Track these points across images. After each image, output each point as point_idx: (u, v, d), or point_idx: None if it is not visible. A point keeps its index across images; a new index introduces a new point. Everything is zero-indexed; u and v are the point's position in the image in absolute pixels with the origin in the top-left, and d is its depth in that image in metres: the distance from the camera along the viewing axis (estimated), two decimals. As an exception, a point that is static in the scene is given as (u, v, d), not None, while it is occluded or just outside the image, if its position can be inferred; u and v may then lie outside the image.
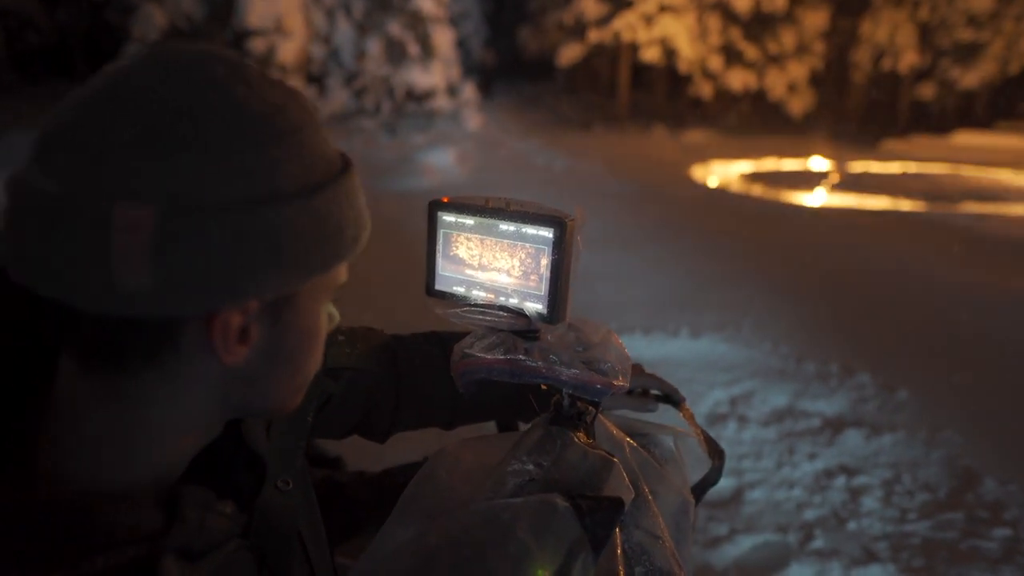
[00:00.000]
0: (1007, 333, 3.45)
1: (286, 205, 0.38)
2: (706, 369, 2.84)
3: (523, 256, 0.66)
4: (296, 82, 10.65)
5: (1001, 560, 1.75)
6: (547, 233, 0.64)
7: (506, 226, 0.66)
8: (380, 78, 11.49)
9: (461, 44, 15.61)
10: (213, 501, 0.46)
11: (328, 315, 0.49)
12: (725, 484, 2.07)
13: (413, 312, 1.01)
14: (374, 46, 11.34)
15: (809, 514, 1.95)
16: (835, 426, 2.42)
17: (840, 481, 2.10)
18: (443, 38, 12.09)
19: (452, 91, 12.45)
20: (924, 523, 1.91)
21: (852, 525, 1.90)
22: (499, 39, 21.26)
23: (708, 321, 3.38)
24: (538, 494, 0.56)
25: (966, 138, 14.38)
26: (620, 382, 0.69)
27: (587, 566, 0.54)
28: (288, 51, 10.50)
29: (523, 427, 0.80)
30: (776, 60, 16.81)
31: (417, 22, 11.64)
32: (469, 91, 12.74)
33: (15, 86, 12.65)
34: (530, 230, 0.65)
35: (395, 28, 11.46)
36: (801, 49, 16.88)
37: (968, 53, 16.26)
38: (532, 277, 0.66)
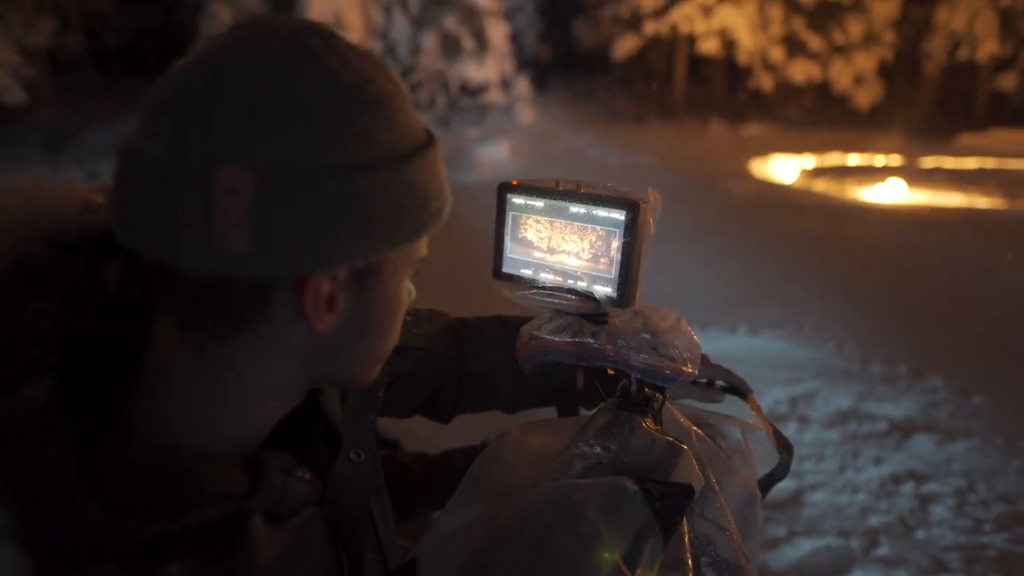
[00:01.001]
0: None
1: (377, 173, 0.39)
2: (765, 367, 2.76)
3: (593, 239, 0.65)
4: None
5: (1088, 578, 1.64)
6: (619, 215, 0.63)
7: (576, 208, 0.65)
8: (435, 72, 11.62)
9: (515, 38, 15.61)
10: (294, 466, 0.47)
11: (408, 290, 0.50)
12: (784, 485, 2.01)
13: (473, 301, 1.02)
14: (429, 40, 11.46)
15: (874, 520, 1.88)
16: (904, 430, 2.31)
17: (908, 487, 2.01)
18: (497, 32, 12.11)
19: (506, 85, 12.48)
20: (1001, 535, 1.81)
21: (921, 534, 1.82)
22: (554, 32, 21.15)
23: (767, 318, 3.28)
24: (608, 476, 0.56)
25: (1051, 131, 13.44)
26: (689, 369, 0.67)
27: (656, 551, 0.53)
28: (347, 46, 10.72)
29: (584, 413, 0.80)
30: (842, 51, 16.11)
31: (472, 16, 11.71)
32: (523, 85, 12.73)
33: (95, 84, 13.38)
34: (601, 212, 0.64)
35: (450, 22, 11.56)
36: (869, 39, 16.12)
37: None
38: (602, 260, 0.65)
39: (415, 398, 0.78)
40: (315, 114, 0.37)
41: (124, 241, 0.39)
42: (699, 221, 5.44)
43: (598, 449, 0.60)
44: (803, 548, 1.77)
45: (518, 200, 0.69)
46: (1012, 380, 2.71)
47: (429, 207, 0.43)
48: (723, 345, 3.00)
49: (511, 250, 0.71)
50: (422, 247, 0.47)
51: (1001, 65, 16.31)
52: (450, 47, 11.75)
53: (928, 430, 2.32)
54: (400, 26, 11.58)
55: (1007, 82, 16.33)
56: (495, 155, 8.66)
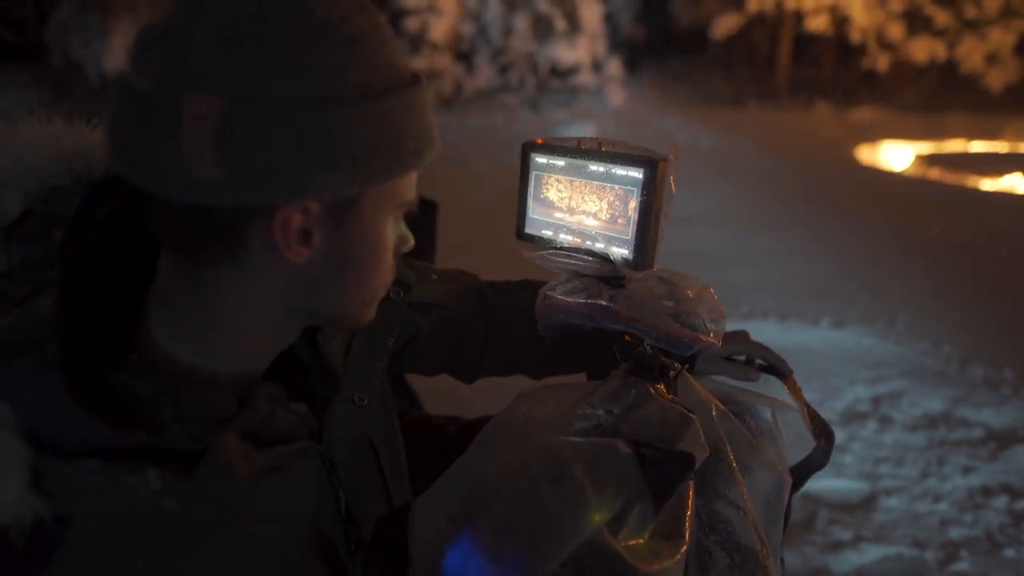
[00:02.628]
0: None
1: (346, 107, 0.40)
2: (847, 363, 2.59)
3: (612, 198, 0.63)
4: (444, 60, 11.04)
5: None
6: (636, 174, 0.61)
7: (596, 167, 0.64)
8: (525, 54, 11.59)
9: (609, 18, 15.26)
10: (285, 398, 0.49)
11: (400, 236, 0.51)
12: (856, 488, 1.89)
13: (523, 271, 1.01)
14: (522, 22, 11.44)
15: (955, 532, 1.73)
16: (1001, 440, 2.11)
17: (1000, 502, 1.84)
18: (591, 13, 11.90)
19: (596, 66, 12.26)
20: (1106, 562, 1.62)
21: (1010, 552, 1.66)
22: (650, 12, 20.50)
23: (855, 312, 3.07)
24: (601, 438, 0.55)
25: None
26: (708, 339, 0.64)
27: (645, 517, 0.52)
28: (439, 29, 10.91)
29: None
30: (973, 26, 14.58)
31: (565, -3, 11.56)
32: (614, 67, 12.46)
33: None
34: (619, 171, 0.62)
35: (543, 3, 11.47)
36: (1008, 12, 14.48)
37: None
38: (619, 220, 0.63)
39: (438, 356, 0.79)
40: (285, 46, 0.38)
41: (118, 170, 0.42)
42: (791, 207, 5.14)
43: (600, 412, 0.59)
44: (870, 555, 1.66)
45: (541, 159, 0.68)
46: None
47: (404, 147, 0.43)
48: (802, 338, 2.83)
49: (533, 210, 0.70)
50: (406, 188, 0.47)
51: None
52: (542, 29, 11.67)
53: (1032, 442, 2.10)
54: (493, 8, 11.62)
55: None
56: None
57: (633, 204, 0.62)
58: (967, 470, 1.97)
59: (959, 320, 3.03)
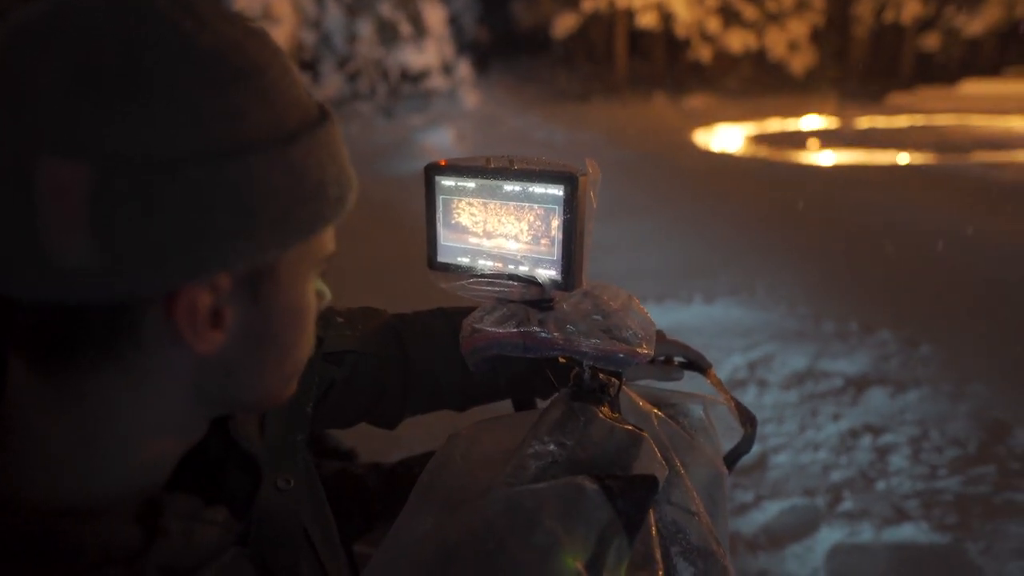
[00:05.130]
0: (1029, 281, 3.37)
1: (253, 157, 0.33)
2: (722, 335, 2.78)
3: (532, 218, 0.60)
4: (289, 70, 10.52)
5: (1039, 513, 1.70)
6: (557, 191, 0.58)
7: (511, 187, 0.60)
8: (373, 60, 11.34)
9: (453, 21, 15.35)
10: (201, 509, 0.41)
11: (318, 292, 0.44)
12: (750, 451, 2.03)
13: (418, 297, 0.96)
14: (365, 28, 11.17)
15: (836, 476, 1.91)
16: (858, 385, 2.37)
17: (866, 441, 2.06)
18: (435, 16, 11.89)
19: (447, 70, 12.28)
20: (955, 479, 1.86)
21: (881, 485, 1.86)
22: (492, 14, 20.90)
23: (721, 286, 3.31)
24: (564, 477, 0.51)
25: (973, 87, 14.02)
26: (644, 350, 0.63)
27: (622, 552, 0.49)
28: (278, 37, 10.32)
29: (541, 405, 0.75)
30: (776, 18, 16.42)
31: (407, 1, 11.45)
32: (464, 69, 12.55)
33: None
34: (538, 189, 0.59)
35: (385, 8, 11.28)
36: (801, 5, 16.47)
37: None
38: (543, 241, 0.60)
39: (356, 406, 0.71)
40: (166, 88, 0.30)
41: None
42: (648, 195, 5.47)
43: (552, 447, 0.56)
44: (770, 511, 1.79)
45: (447, 182, 0.63)
46: (955, 327, 2.80)
47: (325, 195, 0.36)
48: (679, 316, 3.01)
49: (445, 237, 0.65)
50: (326, 242, 0.41)
51: (924, 25, 16.91)
52: (387, 34, 11.47)
53: (881, 383, 2.37)
54: (334, 15, 11.24)
55: (930, 42, 16.97)
56: (440, 141, 8.53)
57: (556, 223, 0.59)
58: (836, 417, 2.19)
59: (808, 282, 3.37)
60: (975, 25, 15.92)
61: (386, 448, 1.61)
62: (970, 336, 2.72)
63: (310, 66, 11.27)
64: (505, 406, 0.83)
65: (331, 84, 11.23)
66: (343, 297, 0.78)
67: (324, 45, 11.35)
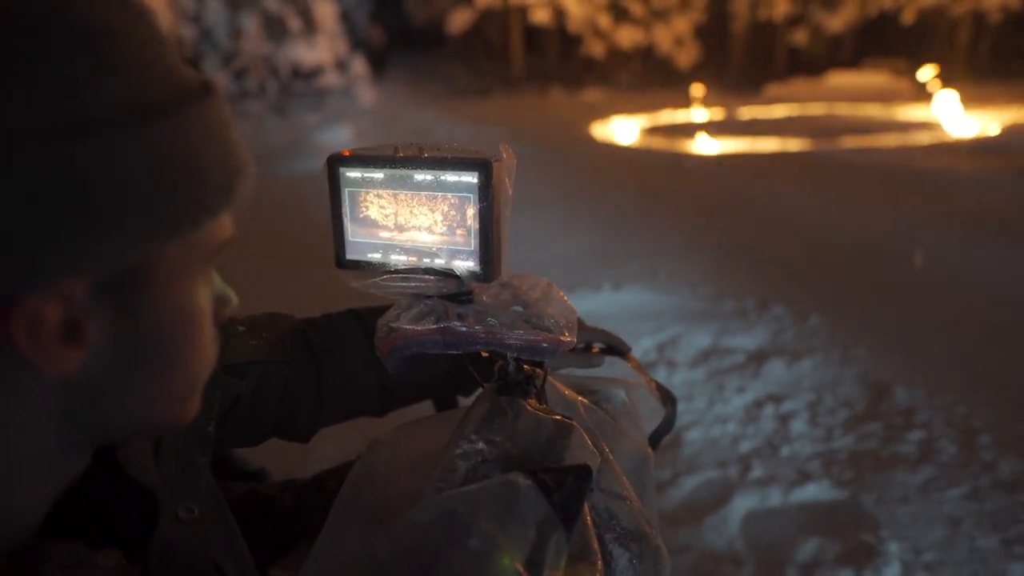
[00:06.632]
0: (896, 251, 3.72)
1: (106, 136, 0.27)
2: (632, 319, 2.87)
3: (446, 208, 0.57)
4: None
5: (919, 460, 1.87)
6: (471, 178, 0.56)
7: (422, 176, 0.57)
8: (261, 57, 10.79)
9: (345, 17, 14.89)
10: (86, 555, 0.35)
11: (219, 296, 0.39)
12: (663, 430, 2.10)
13: (327, 300, 0.90)
14: (251, 23, 10.60)
15: (745, 446, 2.01)
16: (758, 358, 2.51)
17: (769, 410, 2.18)
18: (325, 11, 11.48)
19: (341, 67, 11.91)
20: (848, 437, 2.01)
21: (785, 450, 1.98)
22: (385, 10, 20.47)
23: (628, 273, 3.42)
24: (496, 475, 0.49)
25: (838, 78, 15.35)
26: (567, 338, 0.62)
27: (560, 546, 0.48)
28: (153, 34, 9.62)
29: (464, 403, 0.73)
30: (662, 15, 17.21)
31: (294, -5, 10.98)
32: (359, 66, 12.22)
33: None
34: (451, 177, 0.56)
35: (272, 2, 10.76)
36: (684, 3, 17.35)
37: (832, -2, 17.33)
38: (459, 231, 0.58)
39: (265, 421, 0.66)
40: None
41: None
42: (552, 187, 5.55)
43: (481, 445, 0.53)
44: (687, 486, 1.86)
45: (353, 174, 0.59)
46: (839, 298, 3.04)
47: (205, 182, 0.31)
48: (591, 304, 3.07)
49: (353, 233, 0.61)
50: (217, 233, 0.35)
51: (793, 22, 18.32)
52: (275, 29, 10.95)
53: (778, 355, 2.53)
54: (214, 9, 10.58)
55: (800, 37, 18.40)
56: (337, 140, 8.25)
57: (472, 211, 0.56)
58: (740, 390, 2.31)
59: (708, 264, 3.54)
60: (836, 22, 17.44)
61: (301, 463, 1.53)
62: (852, 305, 2.97)
63: (192, 63, 10.55)
64: (426, 407, 0.80)
65: (216, 82, 10.57)
66: (243, 307, 0.72)
67: (206, 41, 10.67)
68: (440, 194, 0.57)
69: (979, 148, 7.64)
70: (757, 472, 1.89)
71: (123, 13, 0.30)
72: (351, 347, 0.68)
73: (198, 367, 0.36)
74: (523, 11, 16.35)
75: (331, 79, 11.52)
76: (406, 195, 0.58)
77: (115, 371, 0.31)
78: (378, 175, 0.58)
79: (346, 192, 0.60)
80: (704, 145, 8.37)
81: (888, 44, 18.04)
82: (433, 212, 0.58)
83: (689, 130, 9.83)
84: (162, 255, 0.31)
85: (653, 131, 9.89)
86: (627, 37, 16.88)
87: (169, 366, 0.34)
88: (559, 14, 16.19)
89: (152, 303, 0.32)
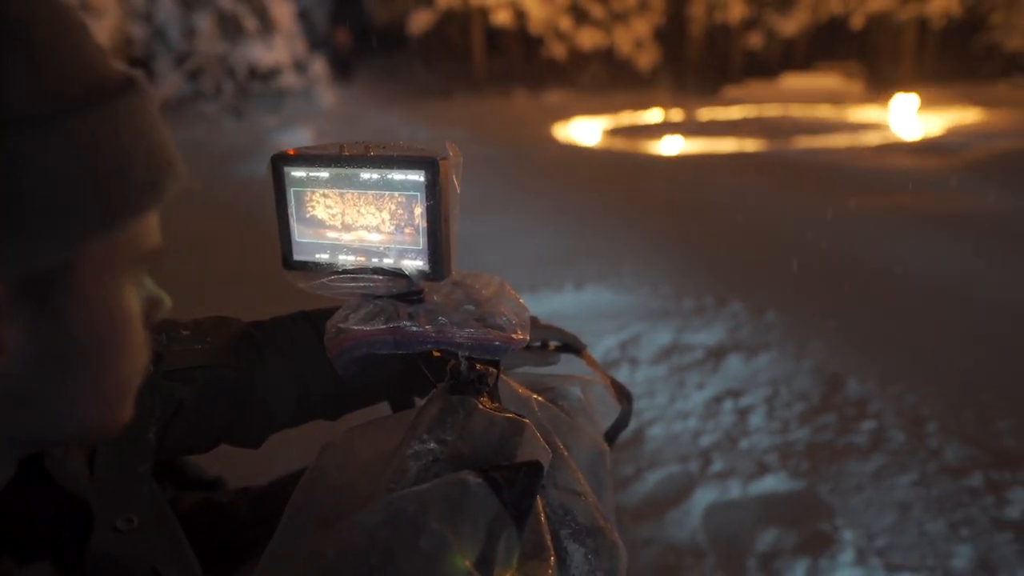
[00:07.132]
0: (848, 248, 3.84)
1: (20, 132, 0.27)
2: (595, 318, 2.89)
3: (393, 207, 0.57)
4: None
5: (871, 449, 1.93)
6: (417, 176, 0.55)
7: (368, 174, 0.56)
8: (216, 57, 10.54)
9: (303, 16, 14.66)
10: (11, 570, 0.34)
11: (150, 298, 0.38)
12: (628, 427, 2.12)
13: (274, 303, 0.89)
14: (204, 22, 10.34)
15: (705, 440, 2.05)
16: (717, 354, 2.56)
17: (728, 405, 2.22)
18: (282, 10, 11.27)
19: (300, 67, 11.71)
20: (804, 429, 2.07)
21: (744, 443, 2.02)
22: (345, 11, 20.22)
23: (590, 272, 3.45)
24: (446, 476, 0.49)
25: (791, 80, 15.79)
26: (520, 336, 0.62)
27: (512, 543, 0.48)
28: (101, 32, 9.30)
29: (420, 403, 0.72)
30: (622, 17, 17.43)
31: (250, -6, 10.76)
32: (319, 66, 12.04)
33: None
34: (397, 176, 0.56)
35: (226, 1, 10.51)
36: (643, 6, 17.61)
37: (785, 2, 17.81)
38: (407, 230, 0.57)
39: (212, 426, 0.64)
40: None
41: None
42: (515, 188, 5.57)
43: (432, 444, 0.53)
44: (649, 481, 1.88)
45: (298, 173, 0.58)
46: (794, 295, 3.13)
47: (129, 180, 0.31)
48: (553, 304, 3.09)
49: (300, 234, 0.60)
50: (144, 234, 0.34)
51: (748, 25, 18.78)
52: (230, 28, 10.71)
53: (736, 350, 2.58)
54: (166, 7, 10.29)
55: (755, 40, 18.87)
56: (296, 141, 8.11)
57: (419, 210, 0.56)
58: (700, 386, 2.35)
59: (668, 263, 3.60)
60: (789, 25, 17.94)
61: (260, 470, 1.50)
62: (806, 300, 3.05)
63: (142, 63, 10.25)
64: (382, 408, 0.79)
65: (169, 83, 10.29)
66: (191, 311, 0.70)
67: (158, 40, 10.37)
68: (387, 193, 0.56)
69: (924, 148, 7.96)
70: (717, 466, 1.92)
71: (35, 5, 0.29)
72: (301, 350, 0.67)
73: (127, 371, 0.35)
74: (484, 12, 16.37)
75: (290, 80, 11.32)
76: (352, 194, 0.57)
77: (37, 376, 0.30)
78: (324, 174, 0.57)
79: (291, 192, 0.59)
80: (664, 146, 8.51)
81: (839, 47, 18.65)
82: (380, 211, 0.57)
83: (648, 131, 9.98)
84: (84, 256, 0.30)
85: (615, 132, 10.01)
86: (588, 39, 17.05)
87: (95, 370, 0.33)
88: (520, 16, 16.25)
89: (75, 306, 0.31)
